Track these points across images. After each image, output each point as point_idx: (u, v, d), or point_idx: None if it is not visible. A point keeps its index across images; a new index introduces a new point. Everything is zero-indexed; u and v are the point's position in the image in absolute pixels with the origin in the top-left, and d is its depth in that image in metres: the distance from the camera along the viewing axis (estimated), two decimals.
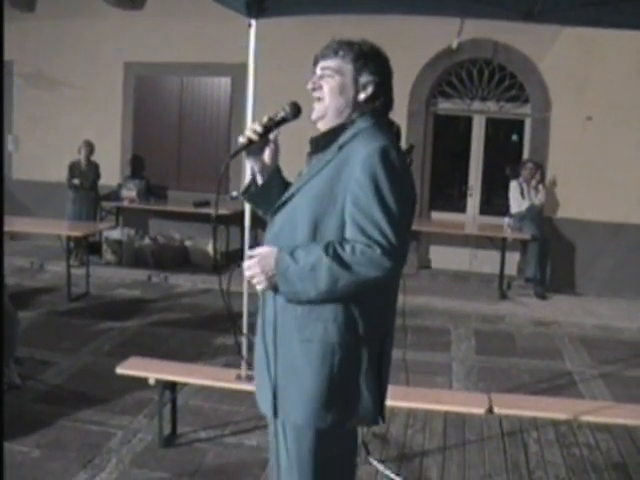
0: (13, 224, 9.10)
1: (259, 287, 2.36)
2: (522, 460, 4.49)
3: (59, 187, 10.06)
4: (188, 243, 10.13)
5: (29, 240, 10.63)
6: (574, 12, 4.32)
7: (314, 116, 2.46)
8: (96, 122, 10.69)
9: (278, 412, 2.39)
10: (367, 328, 2.32)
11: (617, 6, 4.17)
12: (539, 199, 9.21)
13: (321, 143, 2.45)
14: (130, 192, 10.48)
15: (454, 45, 8.37)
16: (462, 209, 10.20)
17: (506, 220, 9.37)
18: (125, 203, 10.51)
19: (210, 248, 9.77)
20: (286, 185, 2.57)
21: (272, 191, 2.57)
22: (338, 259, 2.18)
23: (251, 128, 2.47)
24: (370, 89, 2.41)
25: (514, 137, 10.08)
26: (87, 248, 9.14)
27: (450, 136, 10.46)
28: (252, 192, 2.62)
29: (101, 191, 10.34)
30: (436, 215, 10.24)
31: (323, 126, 2.46)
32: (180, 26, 10.00)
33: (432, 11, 4.86)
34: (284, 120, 2.48)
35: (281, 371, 2.38)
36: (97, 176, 10.09)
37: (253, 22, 4.32)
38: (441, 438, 4.80)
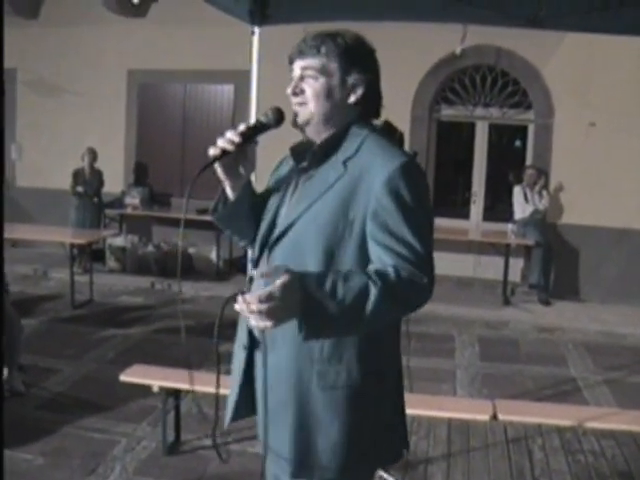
0: (16, 231, 9.11)
1: (269, 325, 1.76)
2: (527, 467, 4.49)
3: (62, 194, 10.07)
4: (191, 250, 10.12)
5: (32, 247, 10.63)
6: (577, 18, 4.33)
7: (300, 120, 2.14)
8: (99, 129, 10.72)
9: (301, 472, 2.10)
10: (389, 361, 2.16)
11: (619, 12, 4.17)
12: (543, 204, 9.20)
13: (317, 158, 2.14)
14: (134, 199, 10.50)
15: (458, 51, 8.40)
16: (465, 215, 10.19)
17: (510, 226, 9.36)
18: (129, 210, 10.54)
19: (213, 255, 9.80)
20: (258, 198, 2.30)
21: (243, 207, 2.28)
22: (388, 290, 1.87)
23: (226, 138, 2.15)
24: (360, 90, 2.12)
25: (517, 143, 10.07)
26: (91, 255, 9.15)
27: (453, 142, 10.46)
28: (222, 212, 2.31)
29: (105, 198, 10.35)
30: (439, 221, 10.17)
31: (311, 134, 2.17)
32: (183, 33, 10.03)
33: (435, 18, 4.88)
34: (265, 127, 2.19)
35: (301, 425, 2.08)
36: (101, 183, 10.10)
37: (256, 29, 4.35)
38: (445, 445, 4.80)
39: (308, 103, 2.12)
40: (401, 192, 1.97)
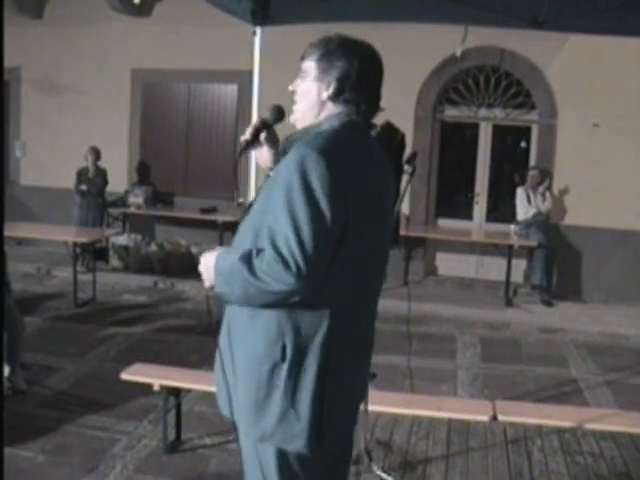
0: (20, 230, 9.15)
1: (205, 285, 2.35)
2: (525, 468, 4.48)
3: (66, 193, 10.10)
4: (194, 249, 10.13)
5: (37, 246, 10.66)
6: (578, 20, 4.34)
7: (291, 119, 2.42)
8: (103, 128, 10.73)
9: (225, 410, 2.41)
10: (300, 345, 2.21)
11: (620, 14, 4.18)
12: (546, 206, 9.20)
13: (286, 149, 2.32)
14: (137, 198, 10.51)
15: (458, 52, 8.36)
16: (469, 216, 10.19)
17: (512, 227, 9.36)
18: (132, 209, 10.54)
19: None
20: None
21: None
22: (249, 265, 2.11)
23: (246, 131, 2.50)
24: (332, 87, 2.30)
25: (523, 144, 10.03)
26: (94, 254, 9.16)
27: (457, 143, 10.45)
28: None
29: (108, 197, 10.36)
30: (443, 222, 10.23)
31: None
32: (187, 33, 10.04)
33: (437, 19, 4.89)
34: (266, 125, 2.48)
35: (230, 374, 2.35)
36: (105, 182, 10.11)
37: (258, 30, 4.36)
38: (445, 446, 4.80)
39: (298, 101, 2.39)
40: (291, 180, 2.10)
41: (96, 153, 9.98)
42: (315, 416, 2.23)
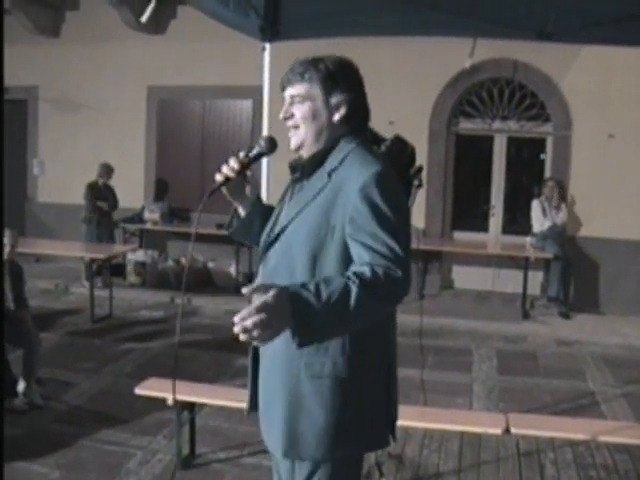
0: (38, 246, 9.23)
1: (261, 342, 1.90)
2: None
3: (83, 210, 10.14)
4: (211, 265, 10.17)
5: (55, 262, 10.74)
6: (586, 31, 4.33)
7: (292, 146, 2.38)
8: (120, 145, 10.80)
9: (290, 452, 2.32)
10: (375, 357, 2.30)
11: (629, 25, 4.17)
12: (561, 218, 9.16)
13: (306, 169, 2.36)
14: (153, 214, 10.56)
15: (467, 65, 8.34)
16: (484, 229, 10.17)
17: (528, 239, 9.33)
18: (148, 225, 10.59)
19: (233, 269, 9.85)
20: (269, 211, 2.55)
21: (255, 222, 2.58)
22: (366, 286, 2.01)
23: (228, 166, 2.45)
24: (344, 108, 2.32)
25: (542, 156, 9.95)
26: (110, 270, 9.20)
27: (472, 155, 10.43)
28: (235, 226, 2.63)
29: (124, 214, 10.44)
30: (458, 235, 10.21)
31: (305, 153, 2.38)
32: (202, 49, 10.10)
33: (445, 32, 4.89)
34: (261, 155, 2.47)
35: (290, 410, 2.29)
36: (115, 199, 10.08)
37: (267, 46, 4.39)
38: (456, 459, 4.77)
39: (299, 126, 2.35)
40: (374, 198, 2.15)
41: (109, 170, 9.94)
42: (392, 414, 2.42)
